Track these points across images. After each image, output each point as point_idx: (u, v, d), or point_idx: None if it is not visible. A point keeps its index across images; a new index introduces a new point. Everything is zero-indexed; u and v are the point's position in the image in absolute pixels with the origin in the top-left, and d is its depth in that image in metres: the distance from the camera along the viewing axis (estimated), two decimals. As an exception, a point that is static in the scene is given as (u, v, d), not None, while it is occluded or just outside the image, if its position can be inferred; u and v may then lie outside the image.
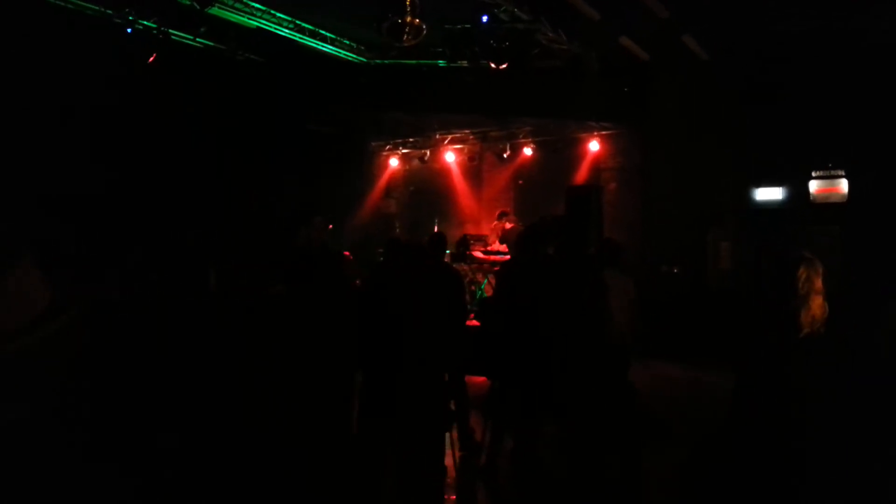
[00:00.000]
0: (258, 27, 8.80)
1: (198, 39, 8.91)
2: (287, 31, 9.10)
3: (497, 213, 11.20)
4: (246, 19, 8.61)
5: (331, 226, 11.46)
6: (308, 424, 3.76)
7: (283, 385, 3.67)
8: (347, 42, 10.06)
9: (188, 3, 7.72)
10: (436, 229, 12.05)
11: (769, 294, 2.90)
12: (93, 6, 7.84)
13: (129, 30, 8.21)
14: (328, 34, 9.67)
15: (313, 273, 4.22)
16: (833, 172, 8.94)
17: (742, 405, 2.90)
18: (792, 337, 2.76)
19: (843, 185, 8.88)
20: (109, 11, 7.99)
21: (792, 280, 2.79)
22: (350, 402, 4.27)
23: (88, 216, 7.34)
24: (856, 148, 8.63)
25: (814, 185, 9.04)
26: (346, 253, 6.08)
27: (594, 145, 11.76)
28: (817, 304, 2.80)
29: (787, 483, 2.72)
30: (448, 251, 8.22)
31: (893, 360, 2.93)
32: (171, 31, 8.54)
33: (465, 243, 9.85)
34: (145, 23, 8.30)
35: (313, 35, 9.46)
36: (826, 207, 8.89)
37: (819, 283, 2.82)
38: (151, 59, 8.42)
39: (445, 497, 4.69)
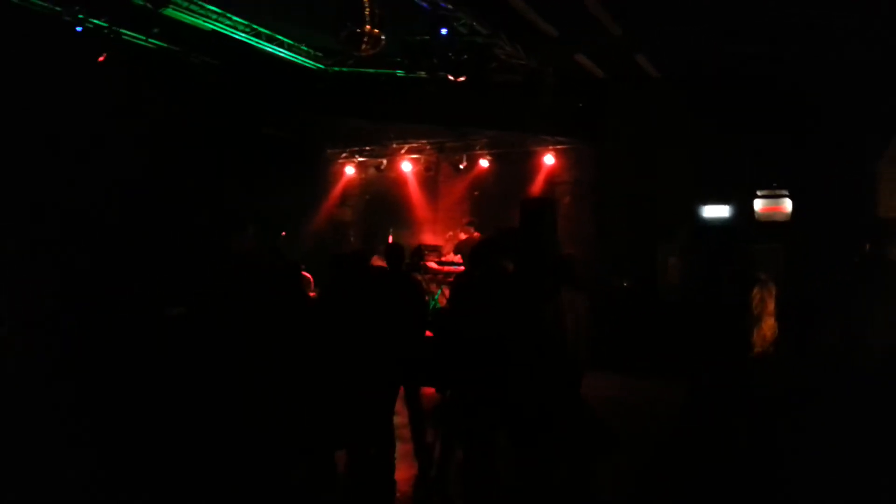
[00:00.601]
0: (213, 30, 8.66)
1: (150, 40, 8.71)
2: (243, 34, 8.97)
3: (457, 222, 11.23)
4: (201, 21, 8.46)
5: (284, 233, 11.33)
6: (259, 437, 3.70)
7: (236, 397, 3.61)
8: (305, 48, 9.98)
9: (141, 3, 7.54)
10: (391, 239, 12.02)
11: (723, 312, 2.99)
12: (41, 2, 7.60)
13: (78, 28, 7.98)
14: (285, 39, 9.57)
15: (252, 285, 4.14)
16: (777, 192, 9.24)
17: (692, 417, 2.97)
18: (743, 355, 2.85)
19: (787, 205, 9.18)
20: (58, 9, 7.75)
21: (746, 301, 2.88)
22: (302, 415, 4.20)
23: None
24: (800, 168, 8.94)
25: (759, 204, 9.32)
26: (305, 273, 5.93)
27: (549, 159, 11.91)
28: (768, 325, 2.89)
29: (735, 494, 2.79)
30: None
31: (838, 375, 3.04)
32: (122, 30, 8.33)
33: (419, 253, 9.80)
34: (96, 21, 8.07)
35: (270, 40, 9.35)
36: (770, 225, 9.18)
37: (771, 305, 2.92)
38: (101, 58, 8.19)
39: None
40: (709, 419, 2.88)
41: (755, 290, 2.88)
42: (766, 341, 2.84)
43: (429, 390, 6.02)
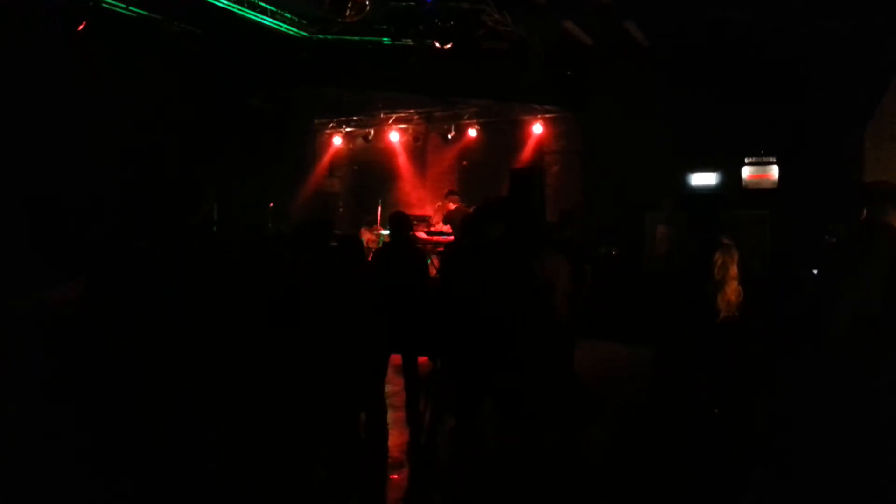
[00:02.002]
0: (195, -3, 8.49)
1: (130, 8, 8.51)
2: (225, 2, 8.78)
3: (444, 192, 11.20)
4: (183, -11, 8.29)
5: (271, 204, 11.26)
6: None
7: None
8: (289, 15, 9.79)
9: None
10: (379, 209, 11.98)
11: (687, 277, 3.03)
12: (17, -32, 7.42)
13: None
14: (268, 6, 9.38)
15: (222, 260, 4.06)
16: (765, 159, 9.28)
17: (659, 381, 3.03)
18: (709, 320, 2.89)
19: (774, 172, 9.22)
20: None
21: (708, 265, 2.92)
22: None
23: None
24: (787, 136, 8.96)
25: (746, 171, 9.36)
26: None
27: (538, 128, 11.86)
28: (732, 289, 2.93)
29: (700, 452, 2.85)
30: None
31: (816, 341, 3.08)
32: (102, -2, 8.15)
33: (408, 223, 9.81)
34: (74, -11, 7.90)
35: (253, 7, 9.16)
36: (757, 193, 9.22)
37: (734, 269, 2.96)
38: (81, 27, 8.02)
39: (388, 476, 4.71)
40: (673, 385, 2.93)
41: (717, 255, 2.91)
42: (731, 306, 2.89)
43: (422, 359, 6.07)
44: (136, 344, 3.42)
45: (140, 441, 3.40)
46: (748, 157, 9.37)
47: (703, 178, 9.70)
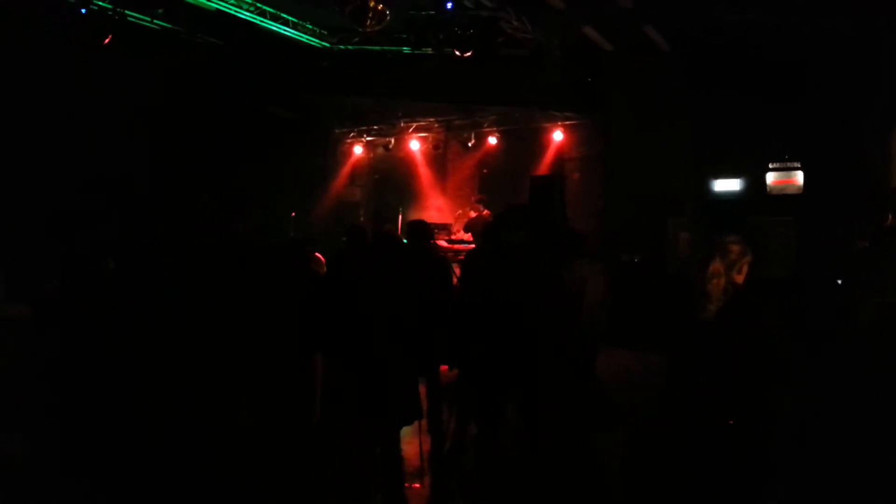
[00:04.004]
0: (218, 10, 8.61)
1: (155, 21, 8.67)
2: (248, 14, 8.92)
3: (465, 200, 11.21)
4: (205, 2, 8.41)
5: (293, 214, 11.34)
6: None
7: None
8: (310, 26, 9.90)
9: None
10: (400, 218, 12.01)
11: (688, 276, 3.02)
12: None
13: (83, 10, 7.95)
14: (290, 18, 9.50)
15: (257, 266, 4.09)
16: (789, 164, 9.14)
17: (671, 382, 3.01)
18: (697, 316, 2.87)
19: (799, 177, 9.09)
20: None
21: (704, 262, 2.91)
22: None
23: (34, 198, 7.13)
24: (812, 141, 8.83)
25: (770, 177, 9.23)
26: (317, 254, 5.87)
27: (558, 135, 11.82)
28: (713, 285, 2.90)
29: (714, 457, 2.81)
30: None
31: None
32: (127, 12, 8.29)
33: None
34: (100, 3, 8.05)
35: (275, 18, 9.29)
36: (782, 198, 9.09)
37: (716, 266, 2.93)
38: (106, 40, 8.18)
39: (407, 485, 4.69)
40: (681, 385, 2.90)
41: (698, 254, 2.92)
42: (712, 301, 2.87)
43: (443, 367, 6.05)
44: (138, 345, 3.49)
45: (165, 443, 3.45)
46: (772, 162, 9.25)
47: (727, 184, 9.59)
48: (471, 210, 11.08)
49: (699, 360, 2.85)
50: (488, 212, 10.40)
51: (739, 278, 2.96)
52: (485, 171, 12.65)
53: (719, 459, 2.76)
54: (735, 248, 2.98)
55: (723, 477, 2.77)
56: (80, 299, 3.66)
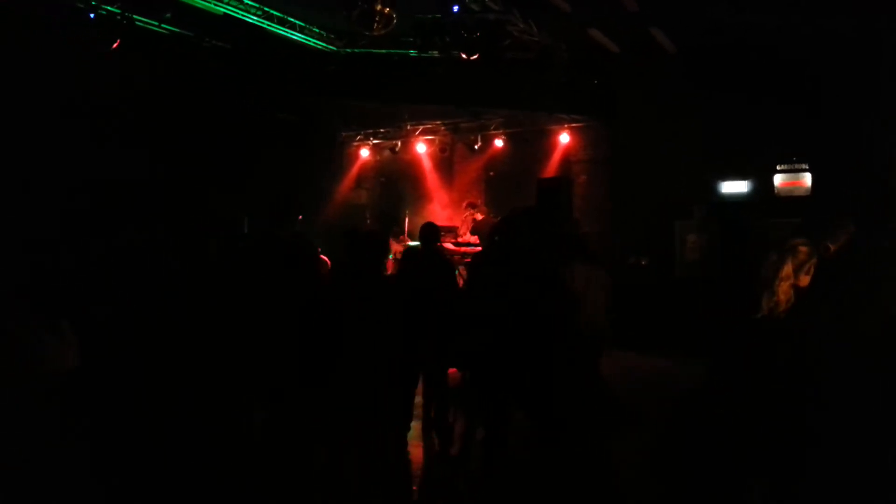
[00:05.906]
0: (225, 14, 8.64)
1: (163, 26, 8.72)
2: (255, 17, 8.94)
3: (465, 204, 11.21)
4: (212, 6, 8.43)
5: (300, 217, 11.35)
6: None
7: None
8: (317, 30, 9.93)
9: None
10: (406, 220, 12.01)
11: (740, 281, 3.00)
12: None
13: (91, 15, 8.00)
14: (297, 21, 9.53)
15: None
16: (797, 166, 9.11)
17: (712, 386, 2.98)
18: (752, 320, 2.85)
19: (807, 179, 9.04)
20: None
21: (762, 265, 2.89)
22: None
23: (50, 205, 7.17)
24: (820, 142, 8.78)
25: (778, 179, 9.19)
26: (322, 257, 5.88)
27: (564, 137, 11.81)
28: (782, 290, 2.88)
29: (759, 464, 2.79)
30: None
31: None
32: (135, 16, 8.34)
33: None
34: (108, 8, 8.09)
35: (282, 22, 9.31)
36: (790, 200, 9.05)
37: (787, 269, 2.92)
38: (115, 45, 8.22)
39: (414, 488, 4.69)
40: (724, 390, 2.88)
41: (772, 253, 2.89)
42: (778, 305, 2.85)
43: (451, 370, 6.05)
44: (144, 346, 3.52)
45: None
46: (780, 163, 9.21)
47: (735, 186, 9.56)
48: (477, 213, 11.07)
49: (754, 361, 2.84)
50: (481, 215, 10.40)
51: (805, 279, 3.00)
52: (491, 173, 12.64)
53: (760, 459, 2.76)
54: (804, 249, 3.01)
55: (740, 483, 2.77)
56: (92, 303, 3.68)
